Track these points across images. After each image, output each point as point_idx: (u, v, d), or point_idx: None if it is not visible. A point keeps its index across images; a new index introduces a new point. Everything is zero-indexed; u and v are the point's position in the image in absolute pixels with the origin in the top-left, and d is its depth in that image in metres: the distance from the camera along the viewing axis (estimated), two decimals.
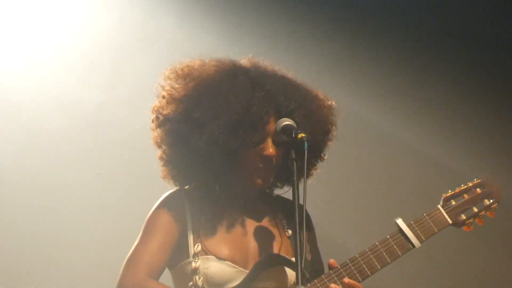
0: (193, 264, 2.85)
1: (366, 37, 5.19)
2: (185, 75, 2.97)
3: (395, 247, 2.91)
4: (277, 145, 2.90)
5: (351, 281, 2.82)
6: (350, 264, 2.85)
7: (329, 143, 3.04)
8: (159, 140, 2.97)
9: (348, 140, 4.74)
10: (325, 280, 2.82)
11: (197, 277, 2.84)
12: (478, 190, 3.12)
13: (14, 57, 4.72)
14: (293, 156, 2.77)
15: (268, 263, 2.85)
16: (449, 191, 3.09)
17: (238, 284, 2.83)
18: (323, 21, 5.13)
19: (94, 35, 4.81)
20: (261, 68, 3.03)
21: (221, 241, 2.90)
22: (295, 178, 2.74)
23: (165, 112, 2.94)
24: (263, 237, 2.96)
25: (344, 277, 2.82)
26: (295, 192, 2.73)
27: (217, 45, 4.77)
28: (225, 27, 4.96)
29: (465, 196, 3.09)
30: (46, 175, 4.66)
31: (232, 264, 2.85)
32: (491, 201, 3.11)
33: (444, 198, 3.06)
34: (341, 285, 2.81)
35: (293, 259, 2.70)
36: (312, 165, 3.03)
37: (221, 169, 2.92)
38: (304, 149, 2.73)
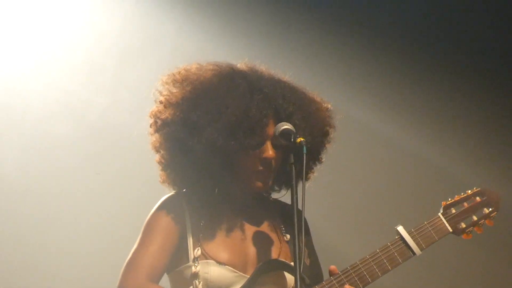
0: (193, 269, 2.84)
1: (367, 40, 5.20)
2: (182, 79, 2.97)
3: (395, 254, 2.92)
4: (276, 148, 2.90)
5: None
6: (351, 271, 2.85)
7: (327, 145, 3.04)
8: (157, 145, 2.97)
9: (348, 146, 4.76)
10: (326, 286, 2.82)
11: (197, 282, 2.83)
12: (478, 198, 3.13)
13: (18, 63, 4.72)
14: (292, 160, 2.77)
15: (268, 268, 2.85)
16: (449, 199, 3.10)
17: None
18: (322, 24, 5.14)
19: (98, 39, 4.82)
20: (258, 72, 3.03)
21: (220, 246, 2.89)
22: (294, 182, 2.74)
23: (163, 116, 2.93)
24: (262, 242, 2.95)
25: (345, 283, 2.83)
26: (294, 197, 2.73)
27: (219, 49, 4.78)
28: (227, 31, 4.97)
29: (465, 204, 3.10)
30: (51, 179, 4.65)
31: (232, 269, 2.85)
32: (490, 209, 3.12)
33: (444, 206, 3.07)
34: None
35: (293, 263, 2.69)
36: (310, 168, 3.03)
37: (220, 173, 2.92)
38: (303, 153, 2.74)
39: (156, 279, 2.86)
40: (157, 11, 4.90)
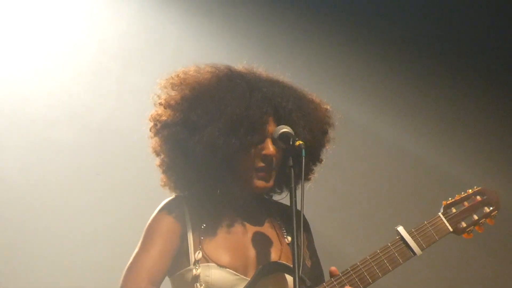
0: (194, 272, 2.84)
1: (366, 41, 5.21)
2: (181, 82, 2.98)
3: (396, 254, 2.91)
4: (277, 146, 2.91)
5: None
6: (351, 272, 2.85)
7: (327, 145, 3.04)
8: (157, 148, 2.97)
9: (348, 147, 4.76)
10: (327, 287, 2.82)
11: (198, 285, 2.83)
12: (478, 197, 3.12)
13: (23, 67, 4.74)
14: (291, 163, 2.77)
15: (269, 270, 2.85)
16: (449, 198, 3.09)
17: None
18: (322, 25, 5.15)
19: (101, 44, 4.84)
20: (256, 73, 3.04)
21: (221, 248, 2.89)
22: (293, 185, 2.74)
23: (162, 118, 2.94)
24: (263, 244, 2.95)
25: (345, 284, 2.82)
26: (293, 199, 2.72)
27: (222, 51, 4.80)
28: (228, 33, 4.98)
29: (465, 203, 3.10)
30: (55, 184, 4.67)
31: (233, 272, 2.85)
32: (491, 208, 3.12)
33: (444, 206, 3.06)
34: None
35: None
36: (310, 169, 3.04)
37: (220, 173, 2.91)
38: (302, 156, 2.73)
39: (157, 283, 2.86)
40: (160, 15, 4.91)
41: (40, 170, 4.65)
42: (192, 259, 2.86)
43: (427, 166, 5.13)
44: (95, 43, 4.84)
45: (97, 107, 4.77)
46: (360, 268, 2.86)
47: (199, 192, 2.97)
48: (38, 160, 4.66)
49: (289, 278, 2.88)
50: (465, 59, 5.29)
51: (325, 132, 3.03)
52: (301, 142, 2.76)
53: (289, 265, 2.85)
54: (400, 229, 2.96)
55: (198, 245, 2.88)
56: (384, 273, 2.89)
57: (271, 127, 2.91)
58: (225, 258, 2.87)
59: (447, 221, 3.03)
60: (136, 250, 2.89)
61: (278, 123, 2.93)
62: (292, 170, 2.75)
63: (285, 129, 2.84)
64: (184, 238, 2.90)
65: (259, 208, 3.05)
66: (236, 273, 2.85)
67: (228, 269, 2.85)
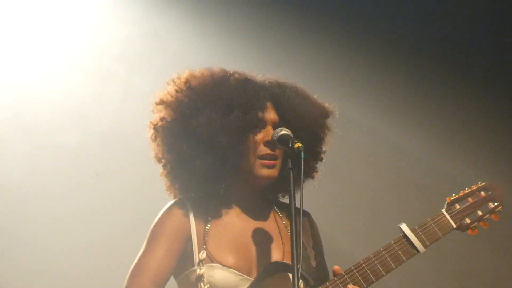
0: (198, 272, 2.85)
1: (366, 41, 5.20)
2: (173, 80, 3.03)
3: (399, 252, 2.91)
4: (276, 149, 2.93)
5: None
6: (354, 271, 2.85)
7: (326, 136, 3.06)
8: (159, 151, 2.99)
9: (350, 146, 4.75)
10: (330, 287, 2.83)
11: (202, 284, 2.84)
12: (483, 193, 3.11)
13: (28, 72, 4.77)
14: (290, 165, 2.76)
15: (272, 270, 2.86)
16: (453, 194, 3.09)
17: None
18: (321, 25, 5.15)
19: (106, 48, 4.86)
20: (251, 74, 3.08)
21: (225, 249, 2.90)
22: (292, 187, 2.73)
23: (161, 115, 2.98)
24: (267, 244, 2.96)
25: (348, 283, 2.83)
26: (292, 202, 2.71)
27: (225, 55, 4.81)
28: (233, 37, 4.99)
29: (469, 199, 3.09)
30: (60, 188, 4.70)
31: (237, 272, 2.86)
32: (496, 204, 3.10)
33: (448, 202, 3.05)
34: None
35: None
36: (312, 167, 3.05)
37: (224, 162, 2.91)
38: (301, 158, 2.72)
39: (162, 284, 2.88)
40: (164, 19, 4.93)
41: (45, 175, 4.68)
42: (196, 259, 2.88)
43: (429, 164, 5.12)
44: (99, 48, 4.86)
45: (102, 112, 4.79)
46: (364, 267, 2.87)
47: (203, 192, 2.98)
48: (43, 164, 4.68)
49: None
50: (465, 59, 5.27)
51: (326, 116, 3.05)
52: (300, 144, 2.75)
53: None
54: (403, 226, 2.95)
55: (202, 246, 2.89)
56: (388, 271, 2.89)
57: (271, 114, 2.95)
58: (229, 258, 2.88)
59: (451, 217, 3.02)
60: (141, 251, 2.92)
61: (278, 110, 2.96)
62: (291, 173, 2.75)
63: (283, 131, 2.85)
64: (188, 239, 2.92)
65: (263, 208, 3.05)
66: (240, 273, 2.86)
67: (231, 269, 2.86)
